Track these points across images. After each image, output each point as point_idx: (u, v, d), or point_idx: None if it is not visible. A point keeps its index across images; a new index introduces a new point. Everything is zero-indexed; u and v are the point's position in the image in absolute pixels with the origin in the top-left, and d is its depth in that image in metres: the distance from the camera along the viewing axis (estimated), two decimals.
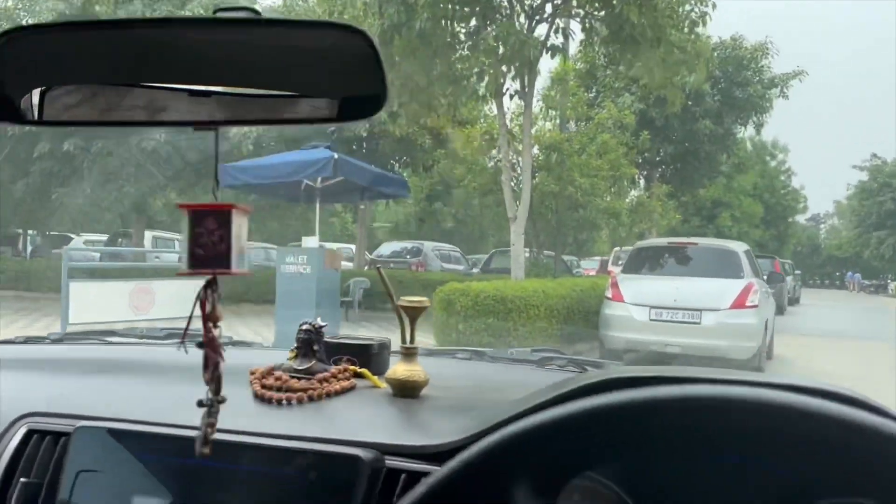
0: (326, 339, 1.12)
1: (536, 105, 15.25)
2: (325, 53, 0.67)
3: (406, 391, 1.03)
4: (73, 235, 24.47)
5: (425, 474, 0.68)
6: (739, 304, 8.74)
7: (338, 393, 1.02)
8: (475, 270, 19.49)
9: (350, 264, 17.98)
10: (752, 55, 17.56)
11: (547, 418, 0.54)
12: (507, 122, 11.21)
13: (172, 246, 22.85)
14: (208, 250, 0.64)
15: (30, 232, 23.82)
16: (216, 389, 0.70)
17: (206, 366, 0.69)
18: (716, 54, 16.00)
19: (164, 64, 0.67)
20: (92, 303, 8.69)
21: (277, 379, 1.02)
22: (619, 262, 25.41)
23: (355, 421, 0.96)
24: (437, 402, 1.03)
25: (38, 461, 0.92)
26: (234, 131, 14.38)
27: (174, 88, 0.68)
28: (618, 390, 0.55)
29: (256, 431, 0.86)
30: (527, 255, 16.12)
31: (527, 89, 10.63)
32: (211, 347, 0.68)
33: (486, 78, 10.46)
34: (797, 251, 51.77)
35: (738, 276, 9.04)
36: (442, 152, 14.45)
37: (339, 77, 0.68)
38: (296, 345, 1.09)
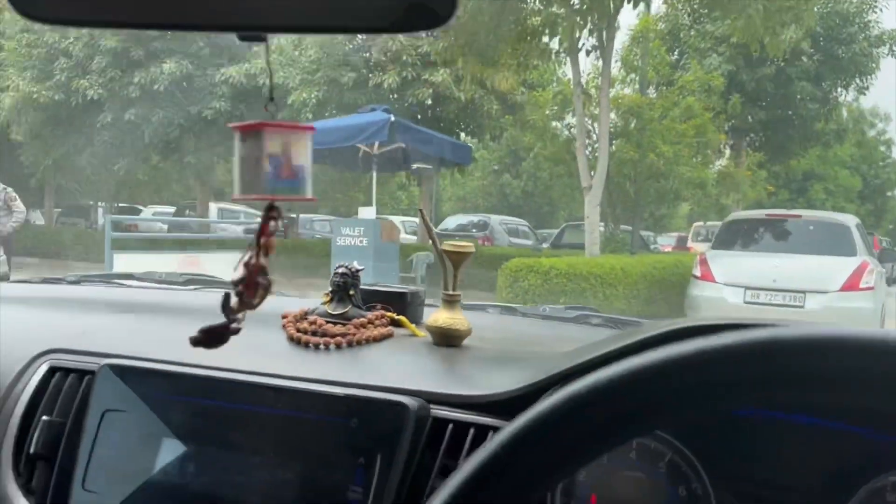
0: (367, 286, 1.08)
1: (614, 66, 14.10)
2: None
3: (448, 340, 0.97)
4: (141, 207, 24.60)
5: (473, 425, 0.73)
6: (852, 285, 7.58)
7: (376, 340, 0.97)
8: (545, 246, 18.52)
9: (414, 237, 17.30)
10: (857, 9, 15.79)
11: (639, 364, 0.46)
12: (583, 82, 10.15)
13: (238, 217, 22.69)
14: (254, 174, 0.61)
15: (100, 204, 24.03)
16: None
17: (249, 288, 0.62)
18: (816, 9, 14.41)
19: None
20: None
21: (312, 323, 0.97)
22: (700, 238, 24.12)
23: (397, 368, 0.90)
24: (479, 353, 0.96)
25: (62, 399, 0.89)
26: (292, 98, 13.79)
27: None
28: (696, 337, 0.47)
29: (293, 375, 0.83)
30: (601, 229, 15.09)
31: (605, 44, 9.56)
32: (256, 271, 0.61)
33: (560, 31, 9.42)
34: (890, 228, 48.50)
35: (851, 254, 7.85)
36: (510, 118, 13.47)
37: None
38: (330, 289, 1.03)
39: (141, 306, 1.24)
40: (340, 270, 1.04)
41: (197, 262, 8.82)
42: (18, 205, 10.13)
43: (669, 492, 0.70)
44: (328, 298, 1.04)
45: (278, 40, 15.08)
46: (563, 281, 8.15)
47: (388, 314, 1.04)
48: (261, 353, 0.91)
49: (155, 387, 0.85)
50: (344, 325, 0.98)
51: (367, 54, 14.05)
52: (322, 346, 0.93)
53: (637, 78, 14.00)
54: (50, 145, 17.47)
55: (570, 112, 13.15)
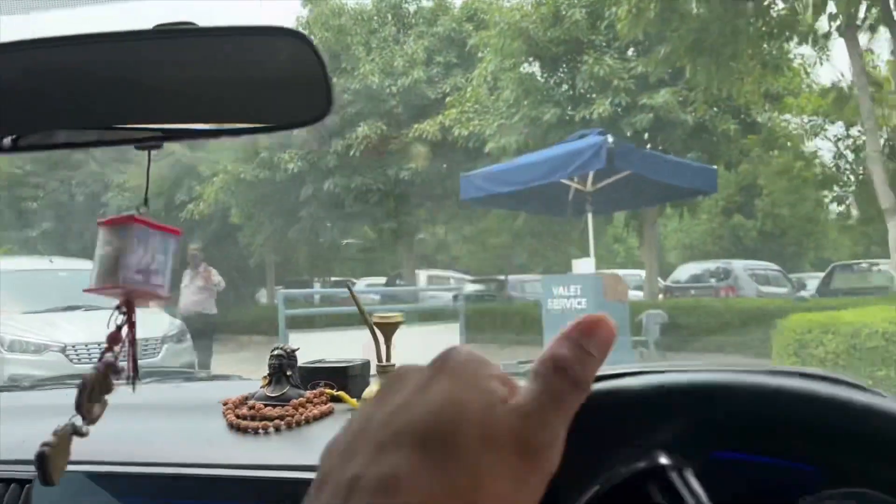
0: (302, 363, 1.10)
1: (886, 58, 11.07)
2: (266, 60, 0.66)
3: None
4: (354, 280, 24.62)
5: None
6: None
7: (316, 418, 0.98)
8: (804, 293, 15.18)
9: (640, 294, 14.94)
10: None
11: None
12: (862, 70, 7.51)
13: (448, 283, 21.71)
14: (112, 266, 0.63)
15: (316, 279, 24.31)
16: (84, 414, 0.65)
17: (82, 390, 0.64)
18: None
19: (103, 81, 0.67)
20: (317, 355, 6.97)
21: (251, 408, 0.99)
22: None
23: None
24: None
25: None
26: (489, 146, 12.35)
27: (113, 107, 0.68)
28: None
29: (233, 463, 0.84)
30: (884, 268, 11.83)
31: None
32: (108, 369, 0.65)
33: (837, 4, 6.99)
34: None
35: None
36: (754, 138, 10.90)
37: (281, 84, 0.67)
38: (268, 371, 1.06)
39: None
40: (276, 352, 1.05)
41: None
42: (215, 275, 9.47)
43: None
44: (266, 381, 1.04)
45: (472, 86, 13.87)
46: (881, 344, 5.56)
47: (328, 391, 1.05)
48: (202, 443, 0.94)
49: (90, 489, 0.86)
50: (283, 406, 0.98)
51: (570, 89, 12.35)
52: (261, 431, 0.93)
53: None
54: (260, 224, 17.67)
55: (830, 122, 10.37)
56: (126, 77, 0.65)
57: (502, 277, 20.37)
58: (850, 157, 10.37)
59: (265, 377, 1.05)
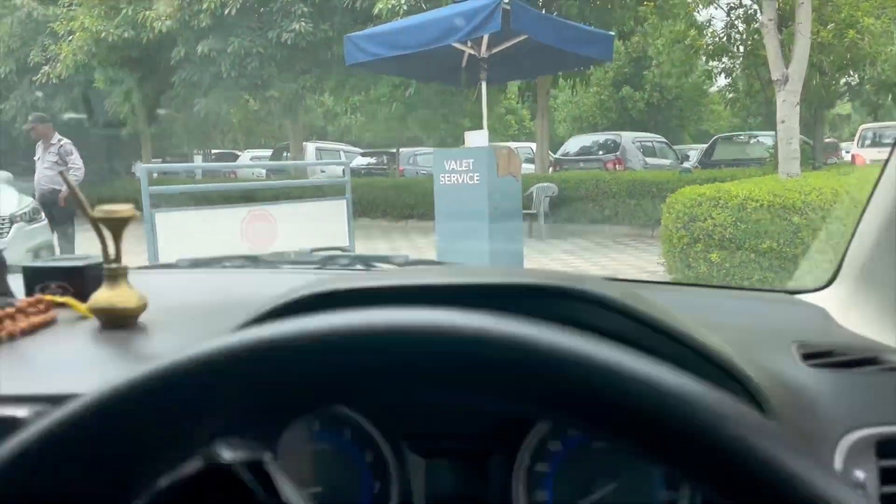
0: (36, 262, 0.97)
1: None
2: None
3: (115, 321, 0.84)
4: (238, 152, 23.31)
5: None
6: None
7: (25, 332, 0.81)
8: (687, 165, 15.58)
9: (531, 167, 14.87)
10: None
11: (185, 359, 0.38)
12: None
13: (338, 157, 20.91)
14: None
15: (196, 152, 22.88)
16: None
17: None
18: None
19: None
20: (190, 238, 6.37)
21: None
22: (867, 143, 20.29)
23: (56, 366, 0.76)
24: (153, 331, 0.84)
25: None
26: (378, 7, 11.45)
27: None
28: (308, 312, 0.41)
29: None
30: (770, 140, 12.23)
31: None
32: None
33: None
34: None
35: None
36: (650, 5, 10.60)
37: None
38: None
39: None
40: None
41: (267, 215, 6.89)
42: (76, 160, 8.54)
43: (357, 458, 0.68)
44: None
45: None
46: (765, 217, 5.63)
47: (48, 297, 0.90)
48: None
49: None
50: None
51: None
52: None
53: None
54: (129, 90, 16.12)
55: None
56: None
57: (394, 150, 19.80)
58: (742, 27, 10.30)
59: None
